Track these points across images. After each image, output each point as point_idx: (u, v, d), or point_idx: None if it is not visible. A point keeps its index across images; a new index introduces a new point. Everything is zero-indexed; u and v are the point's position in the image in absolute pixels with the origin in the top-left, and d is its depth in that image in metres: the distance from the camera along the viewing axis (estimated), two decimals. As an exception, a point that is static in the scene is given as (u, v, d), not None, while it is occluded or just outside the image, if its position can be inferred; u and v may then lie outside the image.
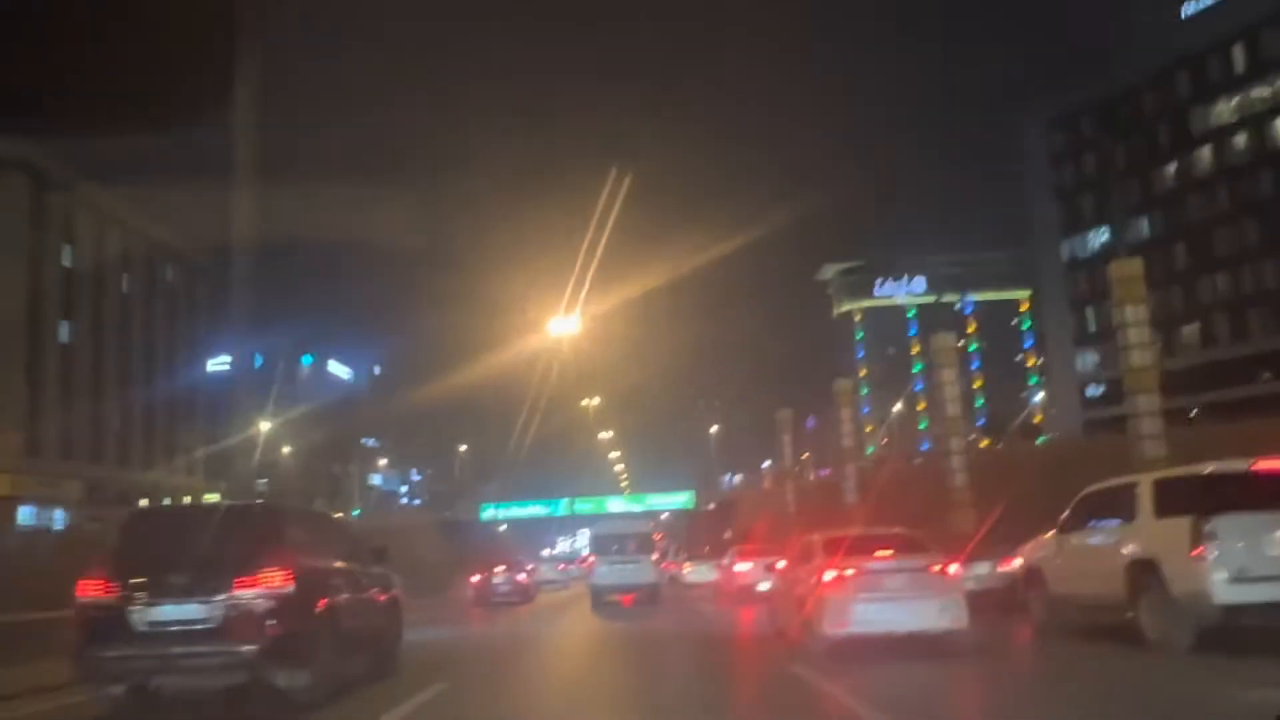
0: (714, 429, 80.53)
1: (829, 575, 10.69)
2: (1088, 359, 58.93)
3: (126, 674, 8.31)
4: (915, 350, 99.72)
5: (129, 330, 55.68)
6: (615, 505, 70.19)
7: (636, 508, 69.67)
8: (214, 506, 13.74)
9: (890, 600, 10.43)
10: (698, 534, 60.30)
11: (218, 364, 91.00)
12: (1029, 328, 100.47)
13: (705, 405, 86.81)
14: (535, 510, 70.79)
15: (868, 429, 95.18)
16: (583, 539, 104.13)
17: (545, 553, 55.14)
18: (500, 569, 32.79)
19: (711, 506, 68.63)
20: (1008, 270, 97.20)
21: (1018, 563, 14.48)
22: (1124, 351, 20.38)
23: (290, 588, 8.38)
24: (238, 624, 8.12)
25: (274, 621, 8.20)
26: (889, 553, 11.15)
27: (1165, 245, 54.36)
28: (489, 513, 70.56)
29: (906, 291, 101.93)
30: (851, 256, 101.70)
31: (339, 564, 10.11)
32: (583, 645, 15.76)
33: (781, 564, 15.15)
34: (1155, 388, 19.99)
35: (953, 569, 11.01)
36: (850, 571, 10.63)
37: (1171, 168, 54.53)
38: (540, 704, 9.22)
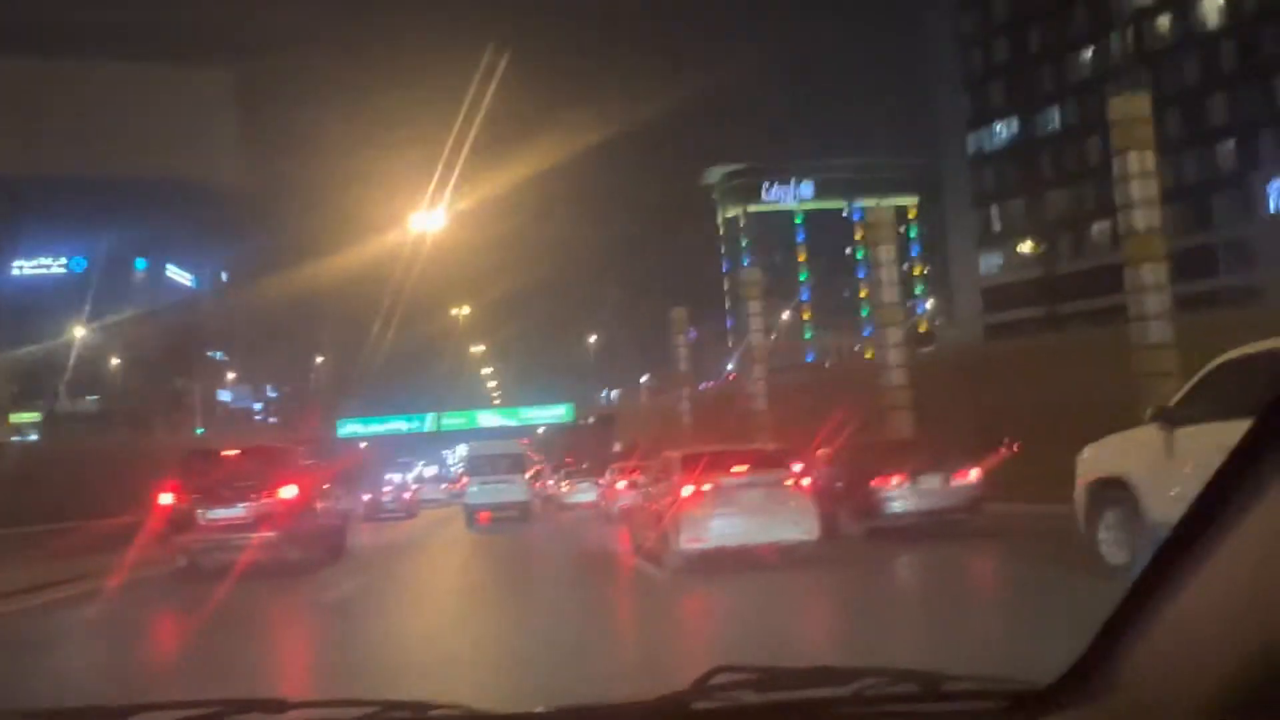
0: (592, 339, 75.38)
1: (686, 490, 10.96)
2: (990, 261, 55.83)
3: (192, 551, 13.80)
4: (802, 258, 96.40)
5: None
6: (487, 419, 64.82)
7: (510, 422, 64.56)
8: (246, 445, 16.95)
9: (745, 514, 10.86)
10: (577, 450, 56.12)
11: (32, 266, 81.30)
12: (915, 236, 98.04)
13: (583, 315, 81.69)
14: (398, 425, 64.67)
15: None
16: (453, 459, 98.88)
17: (394, 478, 49.50)
18: (388, 488, 37.56)
19: (591, 420, 63.97)
20: (897, 177, 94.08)
21: (974, 475, 14.13)
22: (1124, 212, 16.42)
23: (296, 497, 14.11)
24: (265, 519, 13.58)
25: (286, 518, 13.69)
26: (745, 468, 11.55)
27: (1080, 137, 51.13)
28: (347, 429, 64.13)
29: (794, 196, 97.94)
30: (737, 159, 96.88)
31: (324, 485, 16.38)
32: (460, 551, 18.89)
33: (623, 484, 15.61)
34: (1162, 256, 16.04)
35: (805, 482, 11.81)
36: (707, 487, 10.95)
37: (1089, 52, 50.95)
38: (432, 586, 13.41)
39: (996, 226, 54.81)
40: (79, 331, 56.61)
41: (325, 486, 16.46)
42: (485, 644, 8.04)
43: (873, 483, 14.49)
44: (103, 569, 13.12)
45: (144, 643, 9.36)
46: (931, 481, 14.35)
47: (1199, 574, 1.22)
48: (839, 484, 15.18)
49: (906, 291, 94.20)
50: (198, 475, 14.21)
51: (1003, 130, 55.20)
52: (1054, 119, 52.52)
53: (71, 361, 68.87)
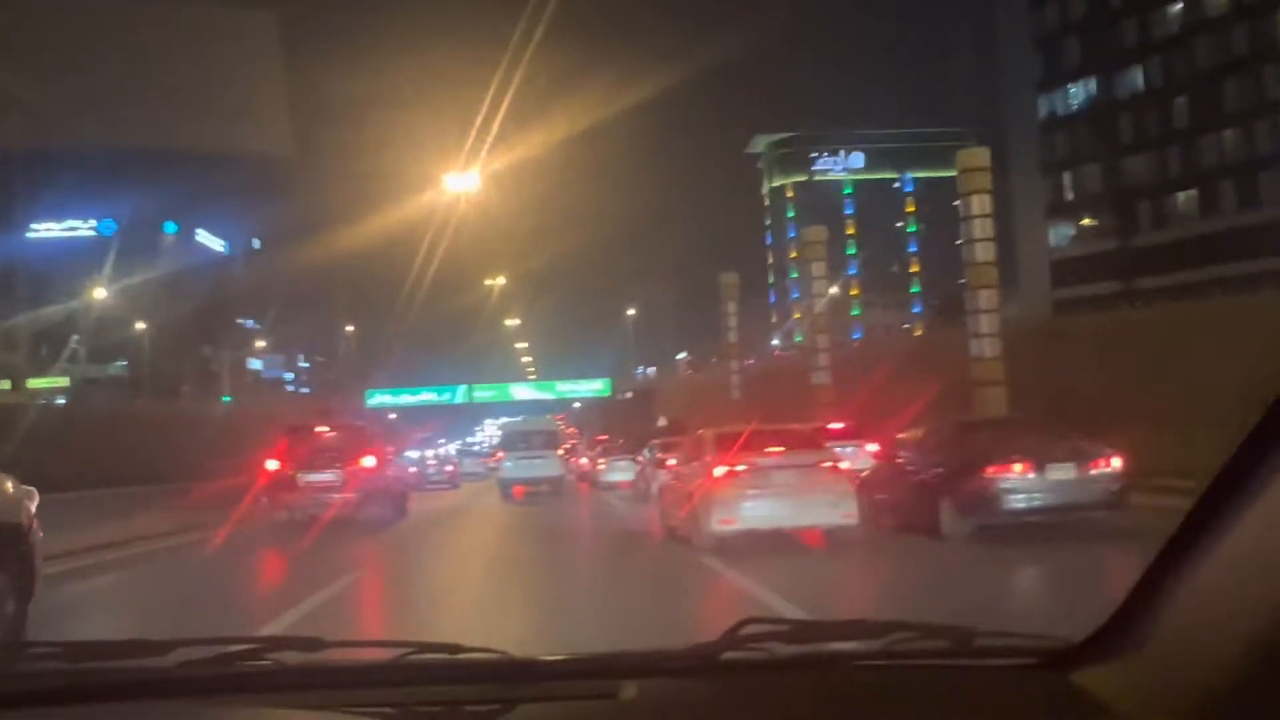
0: (631, 311, 72.36)
1: (719, 471, 10.72)
2: (1061, 232, 51.99)
3: (293, 507, 16.63)
4: (850, 231, 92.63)
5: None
6: (521, 392, 62.20)
7: (545, 395, 61.98)
8: (335, 426, 18.94)
9: (779, 496, 10.55)
10: (613, 426, 53.64)
11: (62, 228, 79.67)
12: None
13: (621, 287, 78.75)
14: (427, 397, 62.20)
15: (796, 315, 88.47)
16: (483, 434, 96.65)
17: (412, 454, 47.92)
18: (432, 462, 40.13)
19: (629, 395, 61.16)
20: (953, 147, 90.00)
21: (1116, 462, 11.28)
22: None
23: (374, 466, 17.14)
24: (349, 483, 16.47)
25: (366, 482, 16.71)
26: (781, 448, 11.18)
27: (1165, 99, 47.18)
28: (376, 399, 61.76)
29: (844, 167, 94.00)
30: (785, 128, 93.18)
31: (393, 457, 20.56)
32: (499, 518, 20.28)
33: (672, 461, 15.06)
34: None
35: (843, 465, 11.53)
36: (741, 467, 10.69)
37: (1177, 6, 46.86)
38: (475, 544, 15.06)
39: (1068, 195, 50.99)
40: (99, 293, 54.35)
41: (393, 458, 20.69)
42: (516, 596, 8.89)
43: (987, 470, 11.44)
44: (220, 520, 15.76)
45: (256, 575, 11.91)
46: (1064, 470, 11.28)
47: (1224, 540, 1.27)
48: (935, 471, 12.20)
49: (961, 269, 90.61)
50: (296, 446, 17.39)
51: (1078, 91, 51.27)
52: (1136, 79, 48.55)
53: (90, 325, 67.34)
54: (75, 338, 61.48)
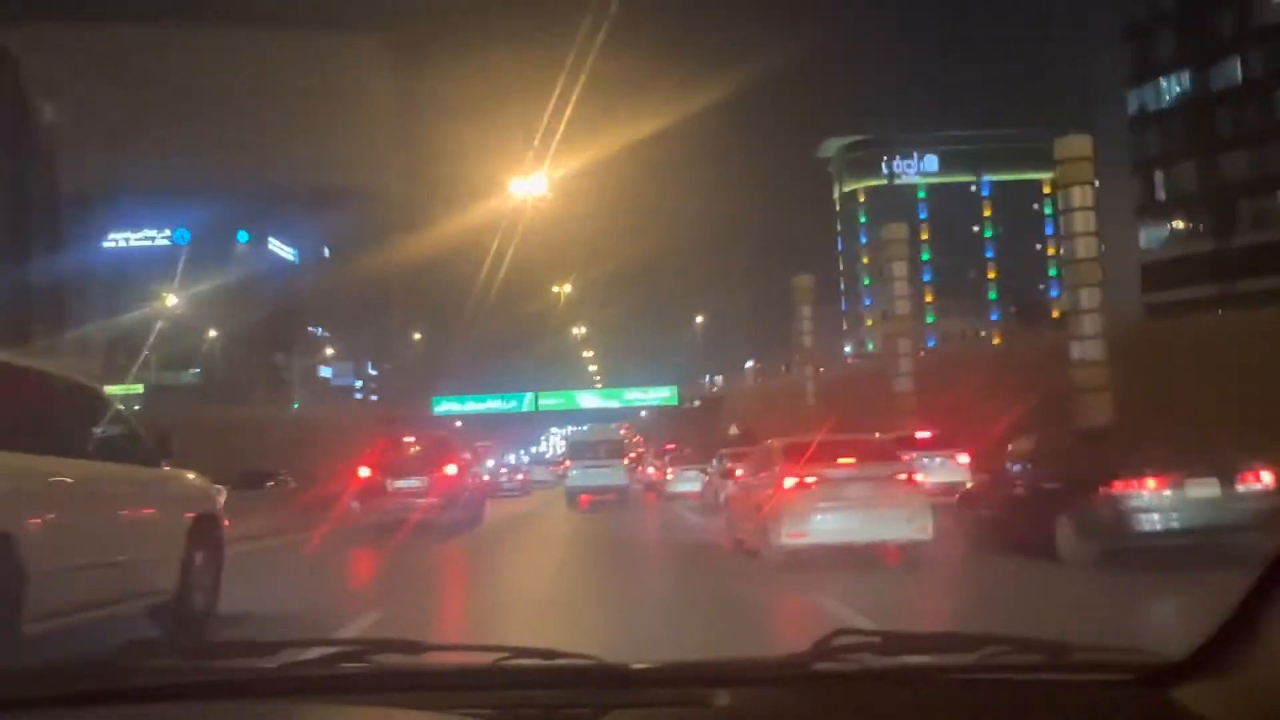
0: (699, 319, 71.11)
1: (789, 482, 10.41)
2: (1153, 234, 49.42)
3: (382, 510, 17.37)
4: (924, 236, 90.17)
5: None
6: (587, 400, 61.30)
7: (611, 404, 61.00)
8: (420, 437, 20.71)
9: (851, 509, 10.21)
10: (681, 435, 52.61)
11: (138, 238, 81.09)
12: (1052, 213, 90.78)
13: (688, 294, 77.52)
14: (494, 405, 61.63)
15: (868, 322, 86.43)
16: (550, 443, 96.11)
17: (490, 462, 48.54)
18: (504, 471, 42.64)
19: (697, 403, 59.96)
20: (1031, 148, 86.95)
21: (1268, 477, 9.60)
22: None
23: (456, 473, 18.37)
24: (434, 488, 17.58)
25: (448, 489, 17.81)
26: (853, 460, 10.80)
27: (1266, 92, 44.52)
28: (443, 407, 61.39)
29: (917, 170, 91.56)
30: (857, 131, 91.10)
31: (473, 466, 22.73)
32: (568, 524, 21.14)
33: (740, 471, 14.90)
34: None
35: (919, 477, 11.19)
36: (811, 479, 10.34)
37: (1280, -10, 44.20)
38: (548, 548, 15.68)
39: (1160, 195, 48.48)
40: (170, 300, 54.84)
41: (473, 468, 22.49)
42: (587, 602, 9.04)
43: (1114, 486, 9.99)
44: (317, 521, 17.22)
45: (350, 574, 12.57)
46: (1205, 486, 9.73)
47: None
48: (1051, 486, 10.81)
49: (1040, 275, 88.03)
50: (386, 455, 18.67)
51: (1172, 85, 48.73)
52: (1234, 71, 45.92)
53: (155, 334, 68.04)
54: (149, 346, 62.14)
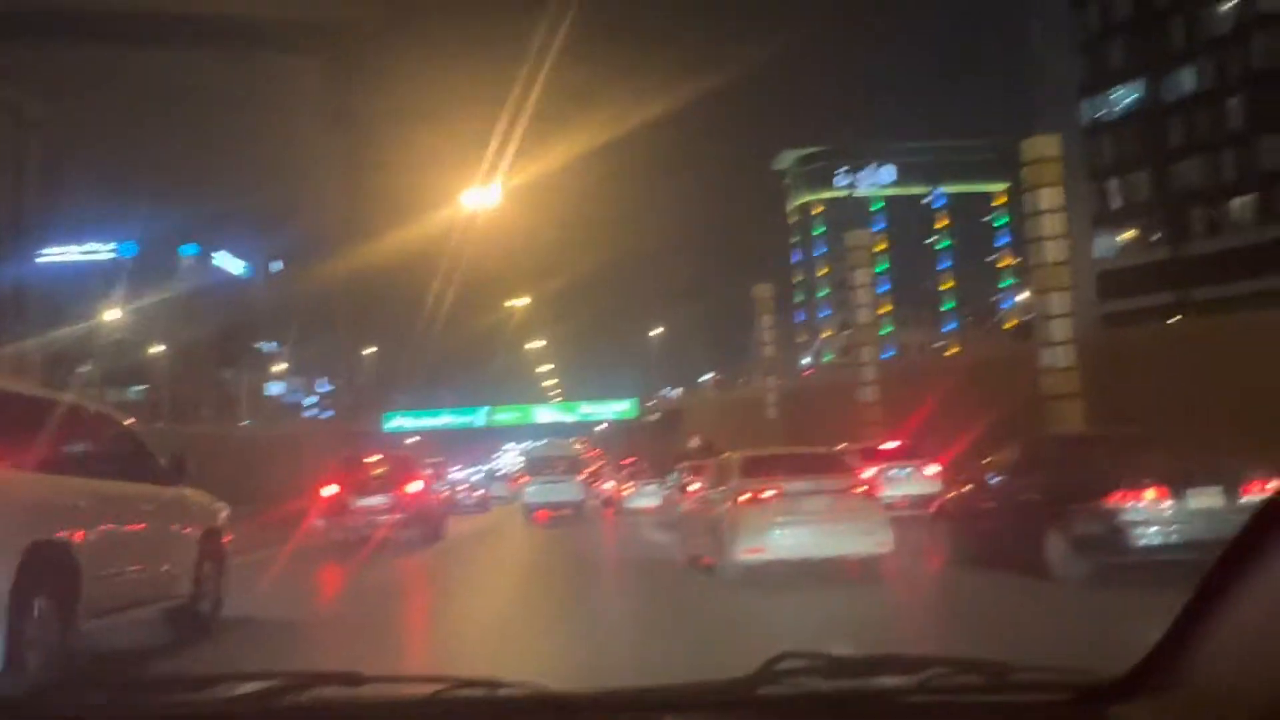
0: (657, 331, 70.40)
1: (744, 497, 10.23)
2: (1107, 243, 49.52)
3: (346, 530, 17.91)
4: (881, 247, 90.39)
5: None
6: (543, 415, 60.33)
7: (568, 418, 60.07)
8: (384, 456, 20.94)
9: (809, 523, 10.00)
10: (639, 449, 51.89)
11: (80, 251, 78.87)
12: (1005, 224, 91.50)
13: (644, 307, 76.92)
14: (448, 420, 60.48)
15: (824, 334, 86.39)
16: (506, 459, 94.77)
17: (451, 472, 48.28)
18: (464, 488, 41.97)
19: (655, 417, 59.17)
20: (985, 160, 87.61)
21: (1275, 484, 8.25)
22: None
23: (418, 492, 18.93)
24: (397, 506, 18.06)
25: (410, 506, 18.38)
26: (809, 473, 10.70)
27: (1217, 100, 44.88)
28: (395, 422, 60.13)
29: (872, 183, 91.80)
30: (811, 142, 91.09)
31: (435, 480, 23.71)
32: (526, 541, 21.46)
33: (695, 486, 14.56)
34: None
35: (890, 491, 12.56)
36: (769, 493, 10.15)
37: (1229, 4, 44.53)
38: (506, 565, 15.93)
39: (1116, 203, 48.72)
40: (110, 314, 53.14)
41: (433, 485, 22.68)
42: (541, 623, 8.90)
43: (1110, 498, 9.36)
44: (282, 539, 16.42)
45: (319, 590, 12.71)
46: (1209, 496, 9.05)
47: (1265, 578, 1.28)
48: (1038, 497, 10.20)
49: (992, 287, 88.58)
50: (349, 474, 19.07)
51: (1124, 95, 49.03)
52: (1186, 80, 46.27)
53: (108, 349, 66.27)
54: (89, 361, 60.25)
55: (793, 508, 10.09)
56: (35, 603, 5.48)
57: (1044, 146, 18.46)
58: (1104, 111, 49.32)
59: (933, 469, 17.96)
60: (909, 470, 17.83)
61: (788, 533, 9.97)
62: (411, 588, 13.03)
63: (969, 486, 12.13)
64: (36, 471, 5.96)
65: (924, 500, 17.78)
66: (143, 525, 7.31)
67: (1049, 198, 17.86)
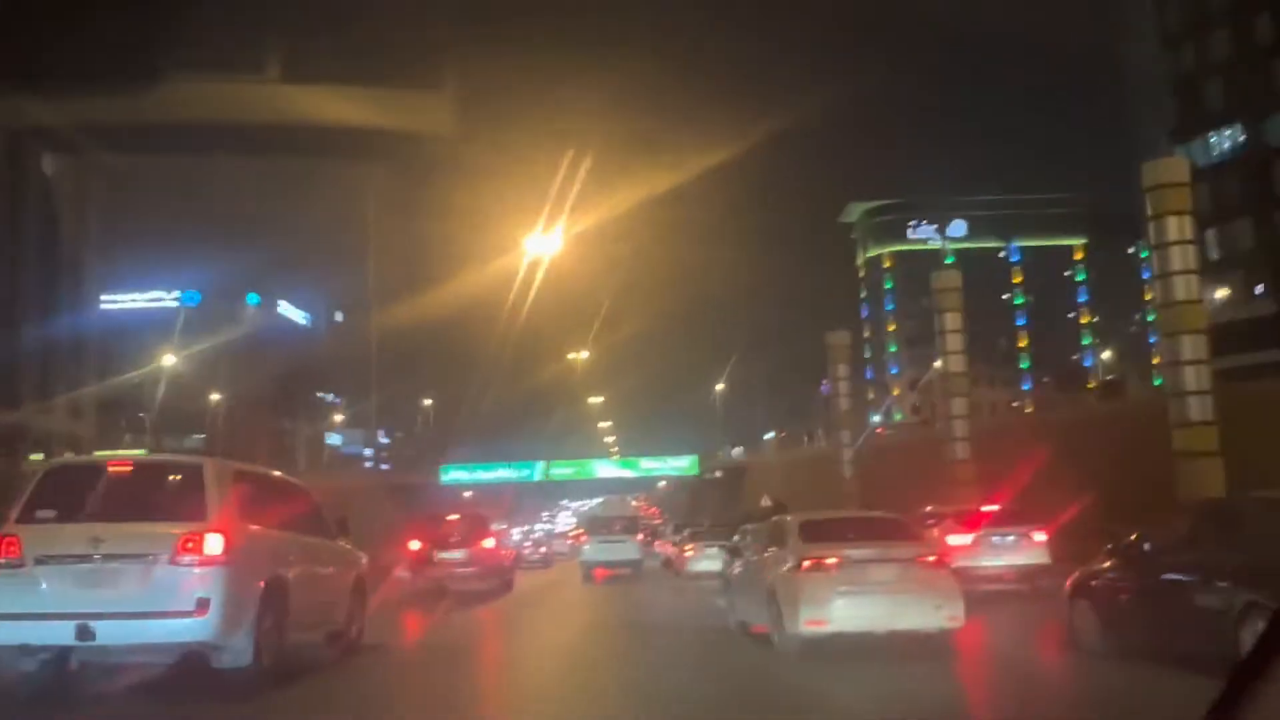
0: (719, 387, 68.20)
1: (806, 563, 9.50)
2: (1207, 296, 46.25)
3: (429, 578, 19.12)
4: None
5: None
6: (603, 470, 58.23)
7: (627, 473, 57.95)
8: (462, 515, 23.69)
9: (876, 594, 9.29)
10: (702, 507, 49.61)
11: (146, 299, 79.45)
12: (1084, 280, 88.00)
13: (708, 364, 74.80)
14: (504, 474, 58.70)
15: (894, 391, 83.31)
16: (562, 518, 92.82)
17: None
18: (529, 545, 44.23)
19: (718, 474, 56.87)
20: (1062, 214, 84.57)
21: None
22: None
23: (493, 545, 20.91)
24: (472, 560, 19.67)
25: (485, 560, 20.04)
26: (873, 539, 10.03)
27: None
28: (451, 475, 58.53)
29: (944, 236, 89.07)
30: (881, 195, 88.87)
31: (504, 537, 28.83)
32: (585, 596, 22.48)
33: (747, 548, 13.42)
34: None
35: (946, 560, 10.29)
36: (832, 560, 9.42)
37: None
38: (562, 627, 15.24)
39: (1214, 254, 45.74)
40: (168, 360, 52.60)
41: (504, 541, 25.27)
42: (591, 683, 8.97)
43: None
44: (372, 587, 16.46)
45: (421, 629, 14.57)
46: None
47: None
48: (1225, 576, 7.97)
49: (1072, 345, 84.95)
50: (431, 529, 20.63)
51: (1222, 139, 46.23)
52: (1292, 122, 43.36)
53: (169, 396, 66.07)
54: (149, 409, 59.86)
55: (859, 576, 9.37)
56: (268, 618, 7.76)
57: (1172, 170, 16.25)
58: (1200, 157, 46.55)
59: (1040, 536, 15.59)
60: (1013, 537, 15.48)
61: (853, 603, 9.23)
62: (490, 631, 14.67)
63: (1115, 559, 9.85)
64: (269, 528, 8.34)
65: (1031, 572, 15.45)
66: (322, 569, 9.52)
67: (1178, 228, 15.61)
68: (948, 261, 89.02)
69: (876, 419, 64.03)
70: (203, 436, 75.44)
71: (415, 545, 19.81)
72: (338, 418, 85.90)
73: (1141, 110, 50.31)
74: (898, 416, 76.42)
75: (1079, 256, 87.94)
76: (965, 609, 9.37)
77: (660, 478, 64.93)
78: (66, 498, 7.67)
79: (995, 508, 16.08)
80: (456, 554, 19.72)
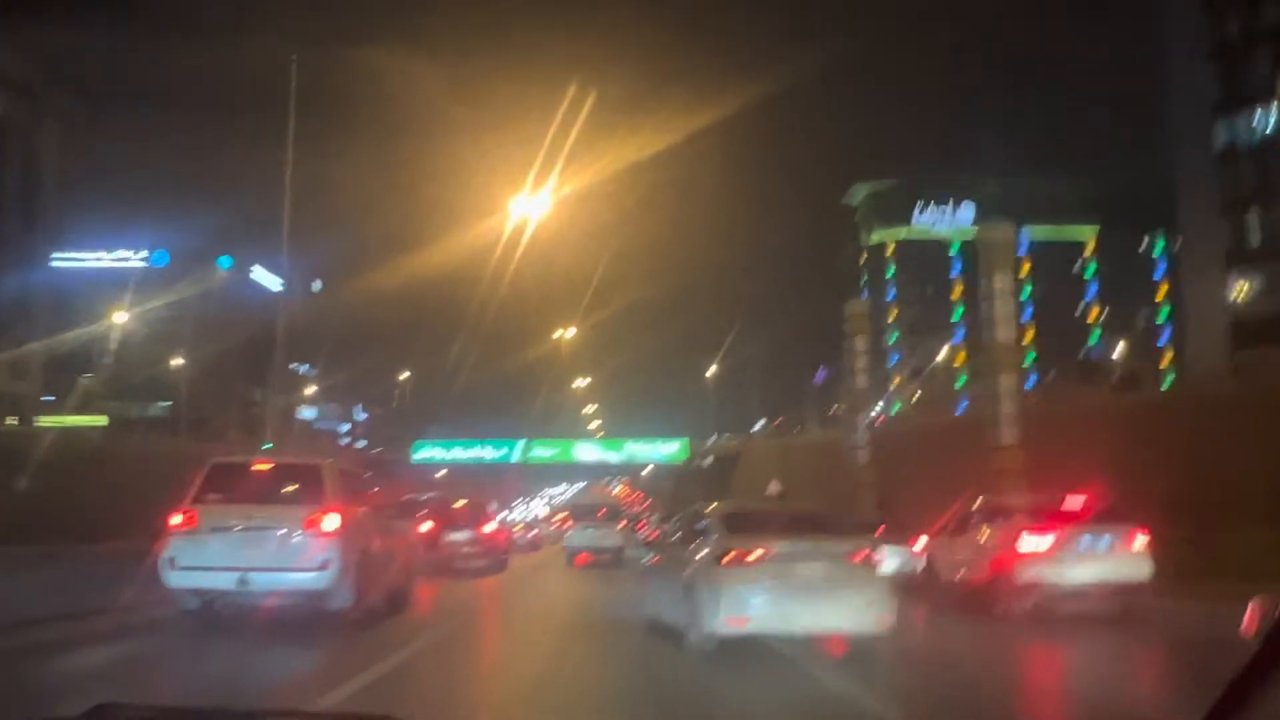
0: (712, 370, 64.71)
1: (728, 555, 9.07)
2: (1239, 284, 43.04)
3: (438, 559, 20.58)
4: (958, 292, 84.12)
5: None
6: (585, 452, 54.86)
7: (611, 456, 54.64)
8: (468, 501, 25.65)
9: (802, 592, 8.86)
10: (690, 495, 46.35)
11: (112, 258, 75.76)
12: (1093, 274, 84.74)
13: (699, 346, 71.38)
14: (482, 453, 55.28)
15: (894, 381, 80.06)
16: (532, 505, 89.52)
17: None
18: (519, 527, 46.14)
19: (709, 461, 53.62)
20: (1074, 199, 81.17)
21: None
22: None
23: (494, 531, 24.86)
24: (475, 542, 22.69)
25: (486, 542, 23.31)
26: (804, 534, 9.57)
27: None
28: (424, 453, 55.12)
29: (951, 221, 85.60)
30: (885, 175, 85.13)
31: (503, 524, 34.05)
32: (570, 577, 24.47)
33: (664, 540, 12.67)
34: None
35: (877, 558, 9.69)
36: (758, 553, 8.99)
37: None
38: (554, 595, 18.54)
39: (1254, 239, 42.42)
40: (118, 320, 48.95)
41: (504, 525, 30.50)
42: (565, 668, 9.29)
43: None
44: None
45: (438, 596, 16.18)
46: None
47: None
48: None
49: (1082, 337, 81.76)
50: (441, 514, 22.96)
51: (1265, 117, 42.73)
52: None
53: (131, 360, 62.59)
54: (98, 371, 56.27)
55: (784, 572, 8.93)
56: (361, 576, 10.56)
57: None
58: (1244, 134, 43.18)
59: (1142, 539, 12.19)
60: (1108, 540, 12.04)
61: (777, 601, 8.81)
62: (489, 600, 17.32)
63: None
64: (360, 510, 11.34)
65: (1127, 590, 12.03)
66: (389, 542, 12.55)
67: None
68: (952, 251, 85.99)
69: (879, 408, 60.70)
70: (169, 404, 72.11)
71: (427, 527, 21.58)
72: (311, 390, 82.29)
73: (1181, 80, 46.72)
74: (897, 408, 73.20)
75: (1090, 250, 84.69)
76: (1041, 638, 8.98)
77: (646, 463, 61.56)
78: (226, 486, 10.53)
79: (1081, 501, 12.63)
80: (462, 535, 22.63)
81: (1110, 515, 12.51)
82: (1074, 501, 12.63)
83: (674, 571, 10.15)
